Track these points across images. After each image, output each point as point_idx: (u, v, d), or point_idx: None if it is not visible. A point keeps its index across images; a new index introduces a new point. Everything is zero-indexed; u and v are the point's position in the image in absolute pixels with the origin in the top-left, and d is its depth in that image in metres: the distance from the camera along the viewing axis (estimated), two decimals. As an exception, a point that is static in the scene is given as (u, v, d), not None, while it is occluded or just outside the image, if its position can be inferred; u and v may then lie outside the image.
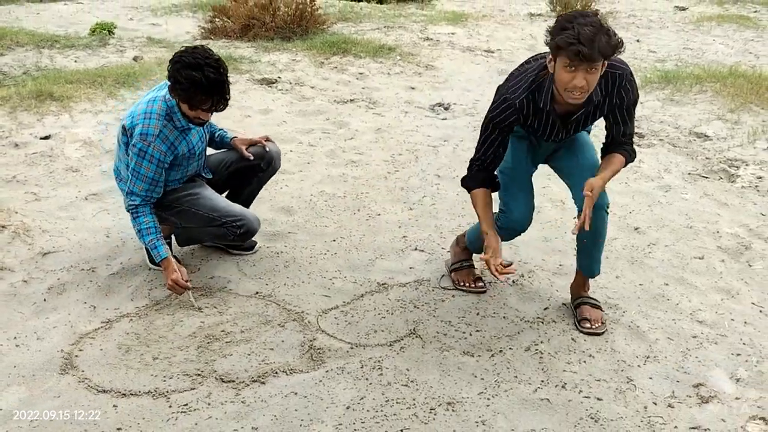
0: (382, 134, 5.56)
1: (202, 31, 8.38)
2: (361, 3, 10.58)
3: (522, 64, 3.10)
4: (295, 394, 2.78)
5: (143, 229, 3.35)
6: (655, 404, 2.78)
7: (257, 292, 3.46)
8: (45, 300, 3.36)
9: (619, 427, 2.65)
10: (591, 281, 3.40)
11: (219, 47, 7.65)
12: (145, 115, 3.31)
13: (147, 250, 3.56)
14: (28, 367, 2.90)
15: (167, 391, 2.78)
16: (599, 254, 3.27)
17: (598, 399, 2.79)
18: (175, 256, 3.48)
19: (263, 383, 2.84)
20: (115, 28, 8.19)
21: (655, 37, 9.27)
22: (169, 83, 3.30)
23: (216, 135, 3.80)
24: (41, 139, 5.15)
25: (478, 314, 3.33)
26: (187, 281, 3.33)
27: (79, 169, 4.72)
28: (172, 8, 9.76)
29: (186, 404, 2.71)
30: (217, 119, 5.71)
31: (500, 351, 3.06)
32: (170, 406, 2.70)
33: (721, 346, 3.16)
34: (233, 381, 2.84)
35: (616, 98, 2.93)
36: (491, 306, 3.39)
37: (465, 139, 5.50)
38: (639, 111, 6.19)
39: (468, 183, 3.16)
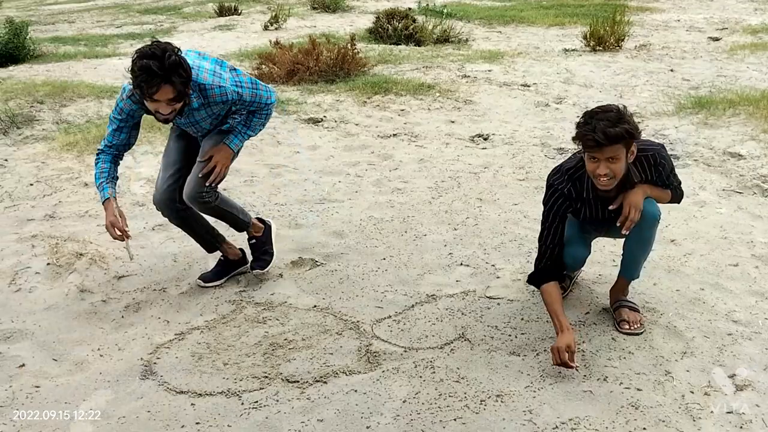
0: (425, 164, 5.85)
1: (250, 77, 8.83)
2: (399, 46, 10.98)
3: (569, 158, 3.43)
4: (355, 391, 3.02)
5: (96, 173, 3.64)
6: (692, 393, 2.96)
7: (315, 306, 3.73)
8: (123, 317, 3.67)
9: (659, 414, 2.83)
10: (629, 288, 3.60)
11: (267, 91, 8.05)
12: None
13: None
14: (112, 373, 3.20)
15: (239, 391, 3.05)
16: (643, 260, 3.49)
17: (638, 389, 2.98)
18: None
19: (325, 383, 3.09)
20: (168, 77, 8.67)
21: (688, 66, 9.44)
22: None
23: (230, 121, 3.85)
24: (108, 178, 5.53)
25: (522, 319, 3.54)
26: (126, 229, 3.60)
27: (145, 203, 5.07)
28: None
29: (256, 401, 2.98)
30: (270, 155, 6.10)
31: (545, 351, 3.26)
32: (242, 404, 2.97)
33: (756, 342, 3.32)
34: (298, 381, 3.10)
35: (654, 175, 3.26)
36: (535, 312, 3.60)
37: (504, 166, 5.75)
38: (674, 134, 6.40)
39: (538, 278, 3.34)
